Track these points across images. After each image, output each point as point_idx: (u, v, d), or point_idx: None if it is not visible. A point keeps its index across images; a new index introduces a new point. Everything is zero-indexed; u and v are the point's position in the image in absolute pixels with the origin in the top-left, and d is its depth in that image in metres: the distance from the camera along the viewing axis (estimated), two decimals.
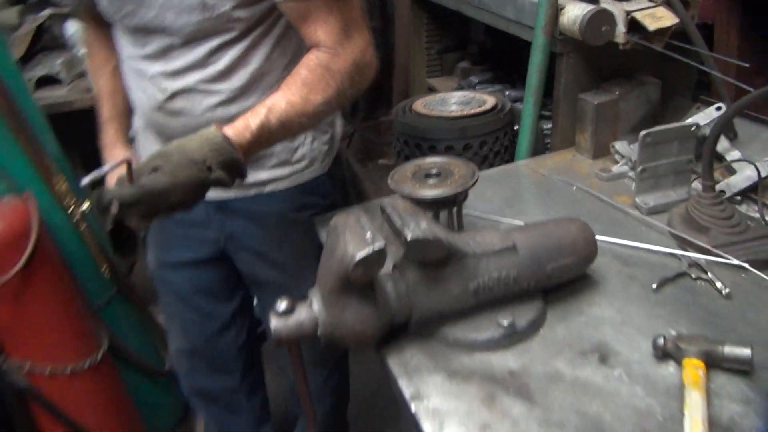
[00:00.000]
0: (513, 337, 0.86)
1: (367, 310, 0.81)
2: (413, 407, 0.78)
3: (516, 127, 1.53)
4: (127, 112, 1.29)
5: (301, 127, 1.03)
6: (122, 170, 0.88)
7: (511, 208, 1.21)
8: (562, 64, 1.33)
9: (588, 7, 1.20)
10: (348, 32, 1.02)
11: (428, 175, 1.01)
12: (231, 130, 0.95)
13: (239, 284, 1.43)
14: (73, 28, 2.33)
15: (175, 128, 1.14)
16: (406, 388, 0.81)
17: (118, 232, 1.81)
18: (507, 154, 1.52)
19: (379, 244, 0.75)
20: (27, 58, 2.18)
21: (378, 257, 0.76)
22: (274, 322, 0.81)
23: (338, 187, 1.33)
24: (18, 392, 1.43)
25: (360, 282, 0.78)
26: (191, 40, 1.06)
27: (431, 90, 2.21)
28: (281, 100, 0.99)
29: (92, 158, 1.60)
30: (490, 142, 1.46)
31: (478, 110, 1.48)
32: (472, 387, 0.80)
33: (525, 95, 1.34)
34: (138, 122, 1.29)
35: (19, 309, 1.37)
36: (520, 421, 0.74)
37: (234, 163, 0.94)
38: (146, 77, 1.12)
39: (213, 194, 1.06)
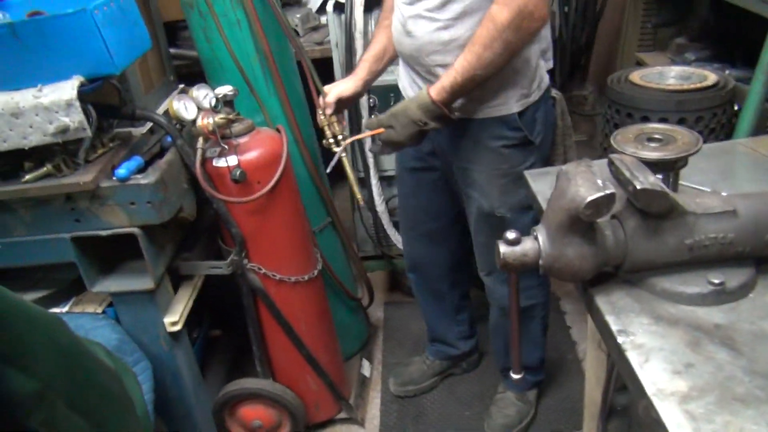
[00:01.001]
0: (721, 296, 0.91)
1: (587, 250, 0.92)
2: (620, 340, 0.88)
3: (736, 107, 1.51)
4: (376, 59, 1.67)
5: (482, 77, 1.38)
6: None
7: (724, 182, 1.22)
8: None
9: None
10: None
11: (650, 139, 1.08)
12: (434, 93, 1.39)
13: (455, 198, 1.78)
14: None
15: (408, 47, 1.51)
16: (614, 324, 0.90)
17: None
18: (722, 133, 1.51)
19: (610, 190, 0.85)
20: None
21: (607, 201, 0.85)
22: (503, 248, 0.94)
23: (539, 128, 1.57)
24: (252, 289, 1.74)
25: (587, 222, 0.88)
26: None
27: (639, 64, 2.19)
28: (463, 61, 1.35)
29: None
30: (706, 119, 1.46)
31: (698, 85, 1.48)
32: (678, 331, 0.87)
33: (756, 73, 1.33)
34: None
35: (264, 221, 1.65)
36: (724, 365, 0.81)
37: (440, 115, 1.41)
38: (397, 7, 1.50)
39: None
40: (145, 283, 1.53)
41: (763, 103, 1.35)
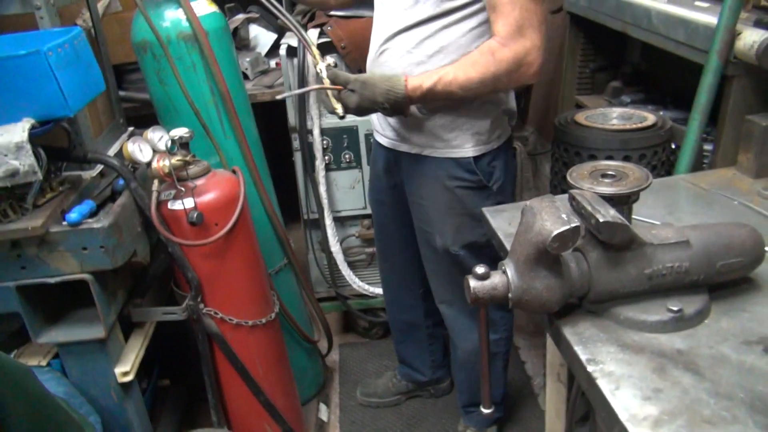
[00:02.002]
0: (680, 323, 0.96)
1: (554, 282, 0.94)
2: (590, 369, 0.90)
3: (673, 146, 1.60)
4: None
5: (459, 97, 1.39)
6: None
7: (671, 215, 1.29)
8: (731, 86, 1.40)
9: (766, 34, 1.27)
10: (522, 31, 1.31)
11: (604, 175, 1.13)
12: (410, 86, 1.37)
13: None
14: (256, 31, 2.65)
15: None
16: (582, 354, 0.93)
17: None
18: (662, 170, 1.60)
19: (575, 223, 0.89)
20: None
21: (573, 234, 0.89)
22: (473, 283, 0.96)
23: (498, 175, 1.60)
24: (208, 335, 1.68)
25: (553, 255, 0.91)
26: (409, 6, 1.42)
27: (579, 106, 2.30)
28: (450, 73, 1.35)
29: (270, 144, 1.97)
30: (648, 156, 1.54)
31: (639, 125, 1.57)
32: (643, 358, 0.91)
33: (692, 113, 1.42)
34: None
35: (221, 264, 1.62)
36: (690, 389, 0.84)
37: (402, 108, 1.40)
38: (374, 36, 1.54)
39: (390, 144, 1.63)
40: (95, 332, 1.46)
41: (700, 141, 1.44)
